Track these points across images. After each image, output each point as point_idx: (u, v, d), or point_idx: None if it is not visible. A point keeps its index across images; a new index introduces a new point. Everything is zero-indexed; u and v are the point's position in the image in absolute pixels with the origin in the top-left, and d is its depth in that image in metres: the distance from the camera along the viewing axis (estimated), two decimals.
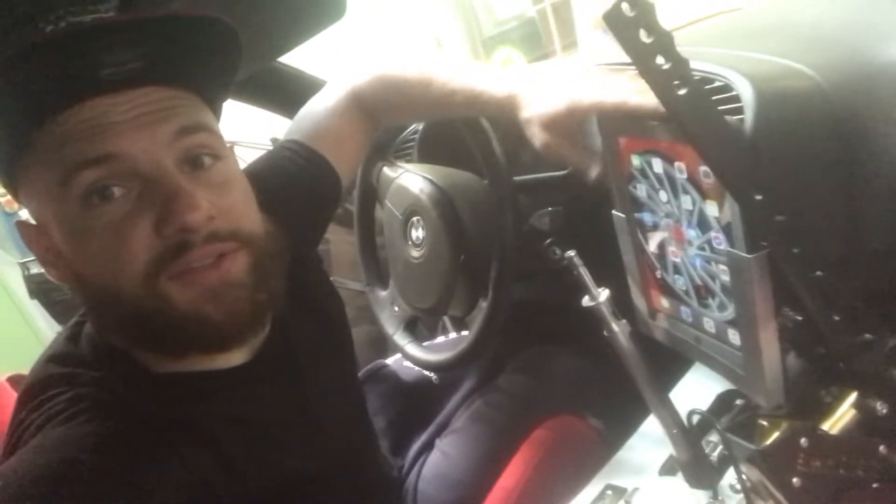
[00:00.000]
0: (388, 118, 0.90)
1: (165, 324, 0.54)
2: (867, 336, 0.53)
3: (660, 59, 0.45)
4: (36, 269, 2.62)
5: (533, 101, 0.66)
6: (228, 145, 0.61)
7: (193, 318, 0.54)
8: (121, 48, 0.51)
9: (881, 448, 0.55)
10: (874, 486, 0.55)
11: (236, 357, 0.64)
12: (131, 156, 0.52)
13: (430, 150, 1.12)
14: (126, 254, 0.52)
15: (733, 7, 0.84)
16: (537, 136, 0.66)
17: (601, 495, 0.73)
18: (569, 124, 0.63)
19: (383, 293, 1.13)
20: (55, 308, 2.61)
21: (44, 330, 2.70)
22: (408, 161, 1.13)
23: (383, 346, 1.48)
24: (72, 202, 0.52)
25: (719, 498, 0.61)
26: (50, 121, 0.51)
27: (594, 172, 0.65)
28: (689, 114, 0.47)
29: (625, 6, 0.44)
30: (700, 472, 0.60)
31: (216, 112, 0.62)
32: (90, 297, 0.57)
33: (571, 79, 0.63)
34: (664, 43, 0.45)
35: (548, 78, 0.66)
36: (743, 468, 0.57)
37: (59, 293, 2.57)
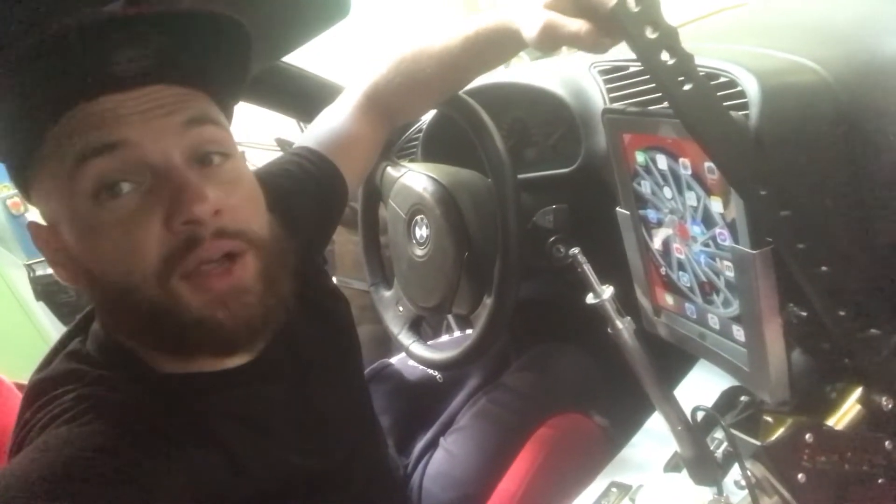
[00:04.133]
0: (406, 108, 0.90)
1: (177, 325, 0.54)
2: (873, 331, 0.53)
3: (665, 55, 0.45)
4: (42, 270, 2.63)
5: (525, 6, 0.64)
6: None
7: (205, 322, 0.54)
8: (131, 44, 0.51)
9: (886, 443, 0.55)
10: (879, 481, 0.55)
11: (241, 356, 0.64)
12: (139, 145, 0.52)
13: (434, 149, 1.12)
14: (137, 250, 0.52)
15: (739, 2, 0.84)
16: (534, 20, 0.60)
17: (606, 492, 0.73)
18: (567, 3, 0.58)
19: (387, 293, 1.13)
20: (61, 310, 2.62)
21: (49, 332, 2.70)
22: (411, 160, 1.13)
23: (387, 345, 1.48)
24: (81, 197, 0.52)
25: (724, 494, 0.61)
26: (61, 117, 0.52)
27: (599, 43, 0.57)
28: (694, 109, 0.47)
29: (630, 1, 0.44)
30: (705, 468, 0.60)
31: (227, 114, 0.62)
32: (101, 295, 0.57)
33: None
34: (669, 38, 0.45)
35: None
36: (748, 464, 0.57)
37: (64, 295, 2.58)
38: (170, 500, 0.52)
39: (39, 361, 0.63)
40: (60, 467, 0.49)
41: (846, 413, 0.56)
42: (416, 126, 1.15)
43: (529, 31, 0.62)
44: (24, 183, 0.57)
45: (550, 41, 0.60)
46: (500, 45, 0.74)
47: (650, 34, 0.45)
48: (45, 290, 2.60)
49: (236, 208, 0.56)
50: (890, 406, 0.55)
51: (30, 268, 2.65)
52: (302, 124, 1.47)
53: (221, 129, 0.58)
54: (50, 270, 2.61)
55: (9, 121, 0.53)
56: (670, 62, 0.45)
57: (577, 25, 0.57)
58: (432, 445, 1.00)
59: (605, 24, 0.56)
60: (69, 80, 0.51)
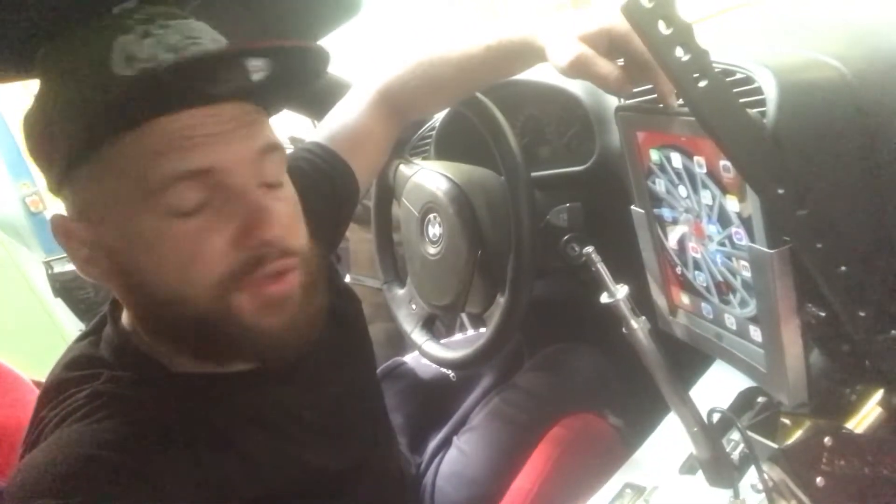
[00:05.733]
0: (420, 108, 0.90)
1: (228, 333, 0.55)
2: (894, 333, 0.52)
3: (679, 51, 0.45)
4: (60, 267, 2.66)
5: (555, 27, 0.64)
6: None
7: (256, 328, 0.55)
8: (222, 73, 0.52)
9: None
10: None
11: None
12: (225, 170, 0.53)
13: (447, 147, 1.12)
14: (202, 265, 0.53)
15: (744, 1, 0.83)
16: (566, 51, 0.60)
17: (620, 494, 0.73)
18: (602, 41, 0.59)
19: (401, 291, 1.13)
20: (78, 306, 2.64)
21: (67, 328, 2.74)
22: (424, 158, 1.13)
23: (400, 343, 1.48)
24: (155, 212, 0.52)
25: (740, 497, 0.60)
26: (138, 126, 0.51)
27: (626, 87, 0.60)
28: (710, 107, 0.46)
29: None
30: (721, 470, 0.59)
31: None
32: (138, 299, 0.57)
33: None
34: (684, 34, 0.44)
35: (562, 16, 0.65)
36: (765, 467, 0.56)
37: (82, 292, 2.61)
38: (181, 500, 0.53)
39: (56, 361, 0.63)
40: (72, 465, 0.50)
41: (866, 416, 0.55)
42: (429, 124, 1.15)
43: (558, 59, 0.62)
44: (61, 176, 0.55)
45: (578, 75, 0.61)
46: (521, 58, 0.73)
47: (664, 30, 0.44)
48: (62, 287, 2.63)
49: (292, 227, 0.58)
50: None
51: (48, 265, 2.67)
52: (316, 122, 1.47)
53: (283, 152, 0.59)
54: (68, 268, 2.64)
55: (72, 122, 0.52)
56: (685, 58, 0.44)
57: (609, 70, 0.59)
58: (445, 444, 1.00)
59: (636, 71, 0.58)
60: (155, 99, 0.51)
